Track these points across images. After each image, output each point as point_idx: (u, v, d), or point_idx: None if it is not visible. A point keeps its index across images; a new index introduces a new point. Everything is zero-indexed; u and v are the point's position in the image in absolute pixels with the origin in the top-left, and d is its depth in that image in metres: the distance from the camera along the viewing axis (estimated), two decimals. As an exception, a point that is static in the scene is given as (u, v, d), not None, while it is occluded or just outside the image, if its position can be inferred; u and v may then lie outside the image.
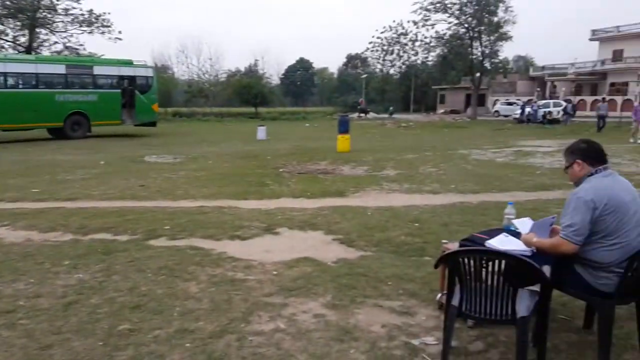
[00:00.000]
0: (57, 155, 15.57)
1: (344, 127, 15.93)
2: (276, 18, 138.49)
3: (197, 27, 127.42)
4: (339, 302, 3.91)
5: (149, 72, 25.66)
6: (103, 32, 39.45)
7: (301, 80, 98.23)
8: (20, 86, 21.62)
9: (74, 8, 38.39)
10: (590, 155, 3.04)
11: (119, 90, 23.76)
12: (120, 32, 40.17)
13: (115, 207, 7.49)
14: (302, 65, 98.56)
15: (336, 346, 3.22)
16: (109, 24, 39.31)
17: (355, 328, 3.47)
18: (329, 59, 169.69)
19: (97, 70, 23.37)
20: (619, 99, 43.88)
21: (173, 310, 3.76)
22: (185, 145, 19.25)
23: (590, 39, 55.46)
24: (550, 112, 34.44)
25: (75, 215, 6.89)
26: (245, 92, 52.11)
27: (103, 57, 33.43)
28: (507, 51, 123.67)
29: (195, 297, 4.02)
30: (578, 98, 49.50)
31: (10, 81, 21.29)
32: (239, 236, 5.89)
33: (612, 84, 50.80)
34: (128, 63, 24.99)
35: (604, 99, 28.54)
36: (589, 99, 49.47)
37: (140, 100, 24.27)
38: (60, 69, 22.26)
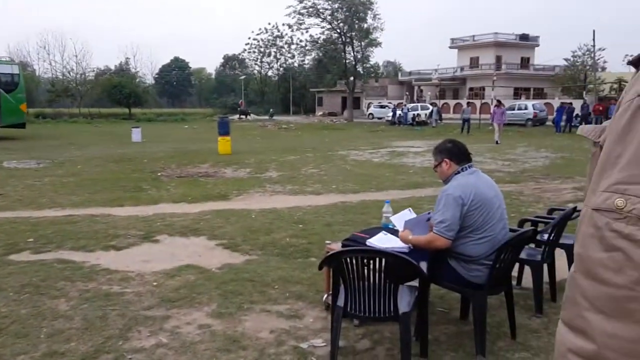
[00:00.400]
0: None
1: (224, 129, 15.65)
2: (147, 15, 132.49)
3: (59, 22, 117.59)
4: (225, 310, 3.80)
5: (15, 69, 23.45)
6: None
7: (177, 81, 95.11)
8: None
9: None
10: (456, 154, 3.25)
11: None
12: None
13: (-34, 220, 6.64)
14: (178, 64, 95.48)
15: (223, 357, 3.11)
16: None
17: (242, 336, 3.38)
18: (205, 59, 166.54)
19: None
20: (477, 103, 48.13)
21: (40, 332, 3.39)
22: (50, 149, 17.62)
23: (450, 47, 60.26)
24: (418, 115, 36.81)
25: None
26: (117, 92, 49.12)
27: None
28: (378, 56, 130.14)
29: (65, 315, 3.67)
30: (442, 102, 53.48)
31: None
32: (114, 246, 5.51)
33: (471, 89, 55.57)
34: None
35: (468, 103, 30.94)
36: (452, 103, 53.68)
37: (6, 100, 22.04)
38: None
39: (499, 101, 22.48)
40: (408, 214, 3.66)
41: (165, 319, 3.64)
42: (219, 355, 3.12)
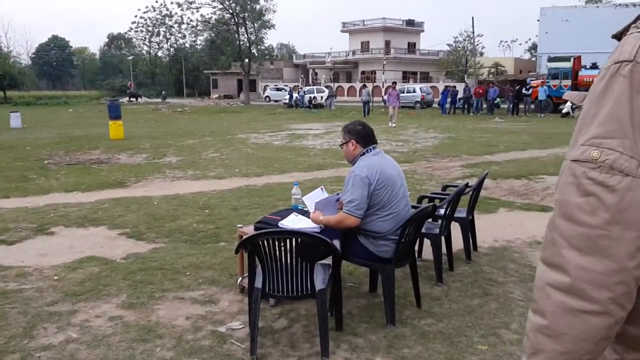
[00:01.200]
0: None
1: (115, 113, 14.88)
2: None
3: None
4: (136, 300, 3.72)
5: None
6: None
7: (57, 61, 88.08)
8: None
9: None
10: (364, 137, 3.43)
11: None
12: None
13: None
14: (57, 43, 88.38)
15: (140, 347, 3.06)
16: None
17: (157, 325, 3.34)
18: (88, 39, 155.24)
19: None
20: (369, 86, 49.75)
21: None
22: None
23: (342, 31, 61.55)
24: (315, 98, 37.34)
25: None
26: (-12, 73, 44.48)
27: None
28: (272, 39, 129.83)
29: (-44, 319, 3.39)
30: (336, 84, 54.66)
31: None
32: (5, 240, 5.12)
33: (363, 72, 57.32)
34: None
35: (364, 85, 31.30)
36: (346, 86, 55.03)
37: None
38: None
39: (394, 83, 22.80)
40: (320, 193, 3.79)
41: (72, 314, 3.49)
42: (135, 346, 3.07)
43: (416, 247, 4.42)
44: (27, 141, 13.73)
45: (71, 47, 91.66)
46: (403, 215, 3.38)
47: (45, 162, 10.26)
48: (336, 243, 3.34)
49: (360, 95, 28.66)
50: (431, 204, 3.90)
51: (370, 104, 27.54)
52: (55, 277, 4.16)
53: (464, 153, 11.35)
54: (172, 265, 4.39)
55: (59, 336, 3.19)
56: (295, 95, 38.37)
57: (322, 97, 38.17)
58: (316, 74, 59.69)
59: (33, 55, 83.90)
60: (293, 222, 3.55)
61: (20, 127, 18.85)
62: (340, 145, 3.55)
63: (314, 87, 43.31)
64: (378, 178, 3.25)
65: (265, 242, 2.96)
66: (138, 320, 3.41)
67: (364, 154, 3.40)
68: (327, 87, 46.52)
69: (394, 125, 19.25)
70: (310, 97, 37.33)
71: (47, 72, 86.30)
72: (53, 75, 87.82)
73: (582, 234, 0.85)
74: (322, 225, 3.40)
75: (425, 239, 4.37)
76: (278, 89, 50.30)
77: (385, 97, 22.50)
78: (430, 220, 4.44)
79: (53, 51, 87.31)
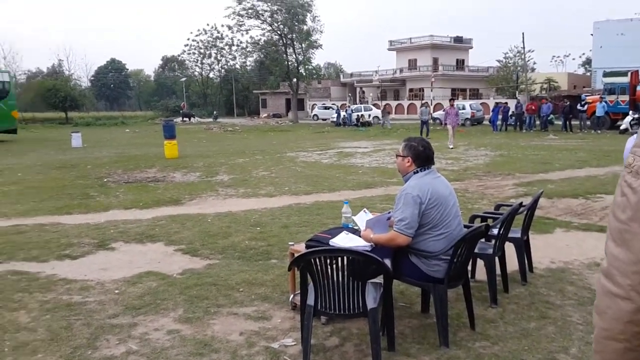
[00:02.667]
0: None
1: (169, 133, 15.41)
2: (79, 16, 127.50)
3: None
4: (192, 314, 3.83)
5: (6, 77, 24.40)
6: None
7: (115, 83, 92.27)
8: None
9: None
10: (421, 158, 3.43)
11: None
12: None
13: None
14: (114, 66, 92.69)
15: (196, 360, 3.15)
16: None
17: (213, 339, 3.43)
18: (143, 61, 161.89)
19: None
20: (417, 103, 49.43)
21: (3, 345, 3.31)
22: (-18, 156, 16.76)
23: (389, 49, 61.66)
24: (362, 116, 37.46)
25: None
26: (52, 96, 47.11)
27: None
28: (319, 58, 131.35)
29: (27, 327, 3.59)
30: (384, 102, 54.67)
31: None
32: (69, 255, 5.38)
33: (411, 90, 57.15)
34: None
35: (425, 103, 29.73)
36: (394, 103, 54.93)
37: None
38: None
39: (452, 100, 20.35)
40: (364, 215, 3.82)
41: (132, 326, 3.63)
42: None
43: (469, 268, 4.37)
44: (88, 160, 14.42)
45: (127, 69, 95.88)
46: (455, 235, 3.35)
47: (105, 180, 10.74)
48: (387, 262, 3.35)
49: (419, 114, 27.33)
50: (484, 223, 3.85)
51: (429, 123, 24.83)
52: (116, 291, 4.34)
53: (517, 171, 11.10)
54: (226, 281, 4.50)
55: (120, 348, 3.32)
56: (343, 113, 38.63)
57: (369, 115, 38.29)
58: (363, 92, 59.95)
59: (92, 78, 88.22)
60: (344, 240, 3.58)
61: (80, 146, 19.81)
62: (397, 155, 3.56)
63: (362, 106, 43.48)
64: (430, 197, 3.24)
65: (316, 260, 3.00)
66: (194, 334, 3.51)
67: (416, 172, 3.41)
68: (374, 104, 46.64)
69: (452, 146, 17.41)
70: (358, 115, 37.47)
71: (105, 93, 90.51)
72: (111, 96, 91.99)
73: (616, 227, 1.05)
74: (373, 244, 3.42)
75: (478, 259, 4.30)
76: (326, 108, 50.80)
77: (442, 115, 21.36)
78: (483, 240, 4.38)
79: (110, 74, 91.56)
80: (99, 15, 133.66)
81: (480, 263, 4.29)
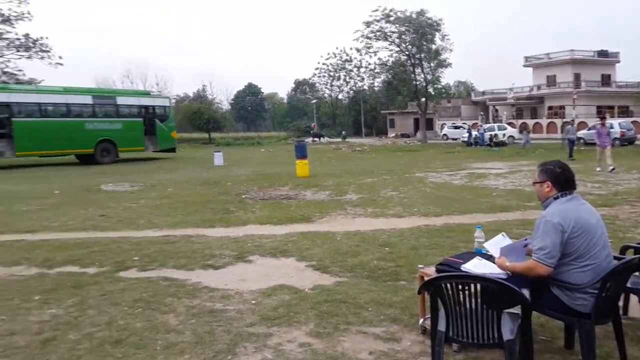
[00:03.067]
0: (7, 185, 14.91)
1: (301, 152, 16.06)
2: (222, 45, 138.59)
3: (141, 52, 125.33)
4: (323, 330, 3.92)
5: (166, 102, 28.48)
6: (42, 57, 38.61)
7: (251, 106, 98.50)
8: (52, 115, 23.48)
9: (9, 32, 37.31)
10: (561, 181, 3.19)
11: (141, 119, 25.85)
12: (60, 57, 39.41)
13: (79, 239, 7.25)
14: (251, 90, 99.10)
15: (327, 375, 3.23)
16: (47, 49, 38.55)
17: (343, 356, 3.48)
18: (277, 85, 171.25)
19: (121, 100, 25.64)
20: (558, 122, 46.20)
21: (156, 344, 3.67)
22: (140, 172, 18.84)
23: (524, 65, 58.46)
24: (496, 135, 35.88)
25: (38, 249, 6.64)
26: (197, 118, 51.78)
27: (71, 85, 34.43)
28: (448, 77, 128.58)
29: (176, 329, 3.95)
30: (520, 121, 51.86)
31: (43, 111, 22.93)
32: (212, 265, 5.83)
33: (550, 108, 53.59)
34: (146, 94, 29.59)
35: (572, 121, 26.99)
36: (531, 122, 51.87)
37: (160, 128, 26.53)
38: (88, 99, 24.56)
39: (603, 118, 17.62)
40: (502, 239, 3.63)
41: (267, 336, 3.82)
42: (323, 374, 3.24)
43: (620, 304, 3.97)
44: (228, 177, 15.53)
45: (263, 93, 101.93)
46: (604, 267, 3.06)
47: (243, 196, 11.47)
48: (525, 292, 3.16)
49: (563, 133, 25.17)
50: (638, 255, 3.48)
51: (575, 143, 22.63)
52: (253, 301, 4.60)
53: (677, 197, 9.87)
54: (355, 300, 4.55)
55: (257, 356, 3.51)
56: (474, 133, 37.35)
57: (504, 135, 36.59)
58: (497, 110, 57.44)
59: (232, 101, 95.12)
60: (477, 266, 3.45)
61: (222, 165, 21.42)
62: (534, 182, 3.38)
63: (495, 125, 41.70)
64: (573, 225, 3.00)
65: (447, 285, 2.93)
66: (325, 349, 3.59)
67: (557, 197, 3.18)
68: (509, 123, 44.48)
69: (599, 169, 15.60)
70: (490, 134, 36.00)
71: (243, 115, 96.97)
72: (248, 118, 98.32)
73: None
74: (508, 272, 3.26)
75: (631, 294, 3.89)
76: (456, 127, 49.55)
77: (588, 134, 18.76)
78: (637, 273, 3.96)
79: (248, 97, 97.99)
80: (239, 44, 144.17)
81: (634, 299, 3.88)
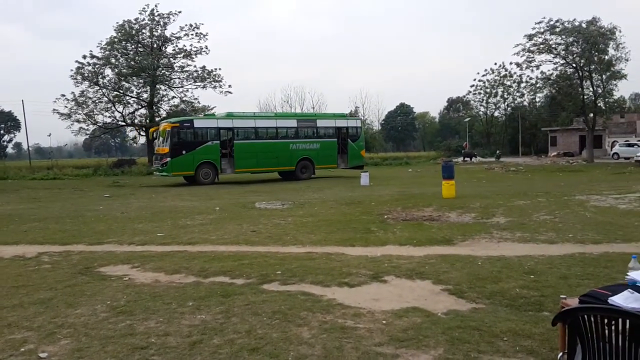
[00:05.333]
0: (177, 201, 16.86)
1: (448, 173, 15.68)
2: (374, 65, 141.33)
3: (299, 78, 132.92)
4: (452, 356, 3.82)
5: (358, 123, 31.24)
6: (215, 87, 42.92)
7: (402, 125, 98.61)
8: (264, 137, 26.98)
9: (189, 65, 42.32)
10: None
11: (336, 139, 28.45)
12: (230, 86, 43.51)
13: (231, 252, 7.95)
14: (403, 110, 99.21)
15: (451, 403, 3.14)
16: (219, 79, 42.76)
17: (470, 385, 3.37)
18: (429, 104, 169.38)
19: (320, 123, 28.65)
20: None
21: (288, 355, 3.89)
22: (291, 191, 19.96)
23: None
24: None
25: (196, 259, 7.42)
26: (347, 139, 53.23)
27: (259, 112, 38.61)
28: (623, 89, 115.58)
29: (308, 342, 4.14)
30: None
31: (257, 134, 26.81)
32: (347, 283, 5.98)
33: None
34: (342, 116, 30.96)
35: None
36: None
37: (352, 147, 28.98)
38: (293, 123, 28.08)
39: None
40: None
41: (394, 357, 3.83)
42: (446, 401, 3.16)
43: None
44: (372, 198, 15.74)
45: (414, 112, 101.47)
46: None
47: (385, 216, 11.55)
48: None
49: None
50: None
51: None
52: (384, 321, 4.63)
53: None
54: (490, 328, 4.36)
55: (381, 376, 3.54)
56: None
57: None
58: (681, 125, 50.30)
59: (382, 122, 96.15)
60: (626, 299, 3.11)
61: (367, 185, 21.78)
62: None
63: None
64: None
65: (586, 317, 2.70)
66: (452, 376, 3.50)
67: None
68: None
69: None
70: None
71: (393, 135, 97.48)
72: (397, 138, 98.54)
73: None
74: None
75: None
76: (629, 145, 44.37)
77: None
78: None
79: (399, 117, 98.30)
80: (391, 65, 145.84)
81: None
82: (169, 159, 24.61)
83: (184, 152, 24.74)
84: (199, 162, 25.01)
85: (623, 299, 3.10)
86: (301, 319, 4.70)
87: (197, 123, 26.23)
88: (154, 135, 27.73)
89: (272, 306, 5.09)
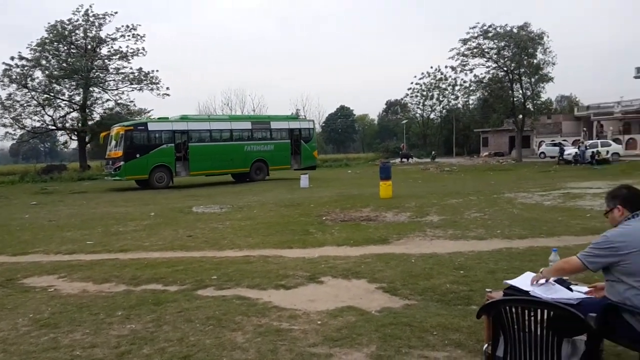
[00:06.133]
0: (109, 208, 16.26)
1: (385, 174, 16.00)
2: (315, 67, 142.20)
3: (240, 80, 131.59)
4: (384, 352, 3.89)
5: (311, 125, 31.80)
6: (152, 89, 41.80)
7: (342, 128, 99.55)
8: (219, 140, 27.15)
9: (125, 67, 41.03)
10: (631, 201, 3.12)
11: (289, 141, 28.86)
12: (168, 89, 42.43)
13: (165, 258, 7.75)
14: (343, 112, 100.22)
15: (382, 398, 3.19)
16: (157, 81, 41.69)
17: (401, 379, 3.44)
18: (368, 106, 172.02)
19: (274, 125, 28.77)
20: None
21: (220, 361, 3.84)
22: (230, 194, 19.72)
23: (635, 77, 54.24)
24: (598, 152, 33.54)
25: (128, 267, 7.18)
26: (288, 141, 53.18)
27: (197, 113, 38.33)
28: (550, 92, 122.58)
29: (242, 347, 4.09)
30: (627, 137, 48.05)
31: (212, 137, 26.93)
32: (284, 285, 5.97)
33: (664, 122, 49.17)
34: (295, 118, 32.62)
35: None
36: (638, 137, 47.91)
37: (304, 149, 29.55)
38: (248, 125, 28.31)
39: None
40: (529, 275, 3.58)
41: (328, 357, 3.86)
42: (377, 397, 3.22)
43: None
44: (312, 199, 15.79)
45: (354, 115, 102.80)
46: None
47: (324, 218, 11.63)
48: (592, 317, 2.98)
49: None
50: None
51: None
52: (319, 322, 4.66)
53: None
54: (421, 323, 4.47)
55: (314, 376, 3.55)
56: (575, 150, 35.18)
57: (607, 152, 34.15)
58: (602, 126, 53.68)
59: (323, 124, 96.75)
60: (547, 290, 3.31)
61: (307, 187, 21.85)
62: (605, 213, 3.27)
63: (599, 141, 39.01)
64: (637, 245, 2.90)
65: (508, 309, 2.83)
66: (383, 372, 3.56)
67: (628, 219, 3.08)
68: (615, 139, 41.45)
69: None
70: (592, 151, 33.71)
71: (333, 137, 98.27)
72: (338, 140, 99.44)
73: None
74: (580, 298, 3.12)
75: None
76: (555, 144, 46.92)
77: None
78: None
79: (339, 119, 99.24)
80: (333, 67, 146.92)
81: None
82: (122, 162, 24.16)
83: (137, 155, 24.48)
84: (153, 165, 24.83)
85: (543, 290, 3.30)
86: (235, 324, 4.64)
87: (151, 126, 25.84)
88: (106, 140, 26.94)
89: (206, 312, 5.00)
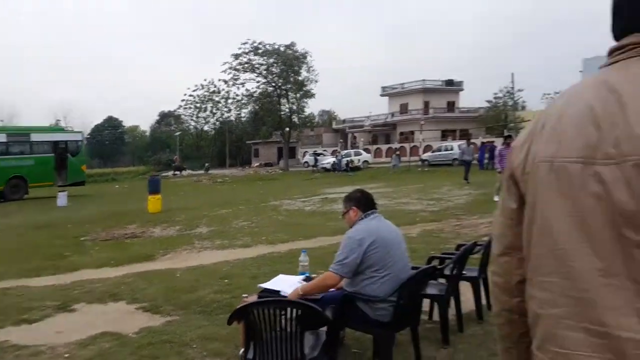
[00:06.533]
0: None
1: (153, 187, 15.41)
2: (77, 75, 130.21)
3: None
4: (139, 375, 3.71)
5: (79, 137, 28.49)
6: None
7: (110, 140, 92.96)
8: None
9: None
10: (364, 203, 3.53)
11: (53, 155, 25.64)
12: None
13: None
14: (111, 124, 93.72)
15: None
16: None
17: (155, 401, 3.31)
18: (140, 118, 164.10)
19: (34, 137, 25.48)
20: (407, 146, 49.88)
21: None
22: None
23: (381, 95, 62.79)
24: (352, 161, 37.77)
25: None
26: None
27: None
28: (313, 106, 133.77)
29: (-37, 400, 3.46)
30: (375, 147, 55.15)
31: None
32: (26, 320, 5.24)
33: (402, 133, 57.72)
34: (60, 129, 29.58)
35: (468, 140, 25.09)
36: (385, 147, 55.42)
37: (71, 163, 26.44)
38: (2, 137, 24.23)
39: (508, 137, 13.73)
40: (282, 277, 4.01)
41: (73, 392, 3.50)
42: None
43: (428, 309, 4.31)
44: (70, 219, 14.29)
45: (124, 126, 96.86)
46: (402, 278, 3.33)
47: (82, 238, 10.62)
48: (330, 309, 3.29)
49: (459, 154, 25.21)
50: (431, 265, 3.81)
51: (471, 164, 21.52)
52: (66, 355, 4.21)
53: (495, 209, 11.06)
54: (181, 338, 4.39)
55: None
56: (333, 159, 39.03)
57: (359, 160, 38.68)
58: (355, 137, 60.58)
59: (88, 136, 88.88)
60: (276, 283, 3.71)
61: (65, 205, 19.69)
62: (342, 215, 3.65)
63: (352, 151, 43.91)
64: (374, 240, 3.27)
65: (259, 311, 2.95)
66: (136, 397, 3.38)
67: (362, 218, 3.45)
68: (365, 149, 47.08)
69: (497, 199, 13.59)
70: (347, 160, 37.80)
71: (99, 151, 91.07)
72: (105, 153, 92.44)
73: None
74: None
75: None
76: (317, 154, 51.23)
77: (496, 158, 13.33)
78: (442, 280, 4.33)
79: (107, 131, 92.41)
80: (98, 73, 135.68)
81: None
82: None
83: None
84: None
85: (273, 284, 3.60)
86: (-42, 373, 3.91)
87: None
88: None
89: None
